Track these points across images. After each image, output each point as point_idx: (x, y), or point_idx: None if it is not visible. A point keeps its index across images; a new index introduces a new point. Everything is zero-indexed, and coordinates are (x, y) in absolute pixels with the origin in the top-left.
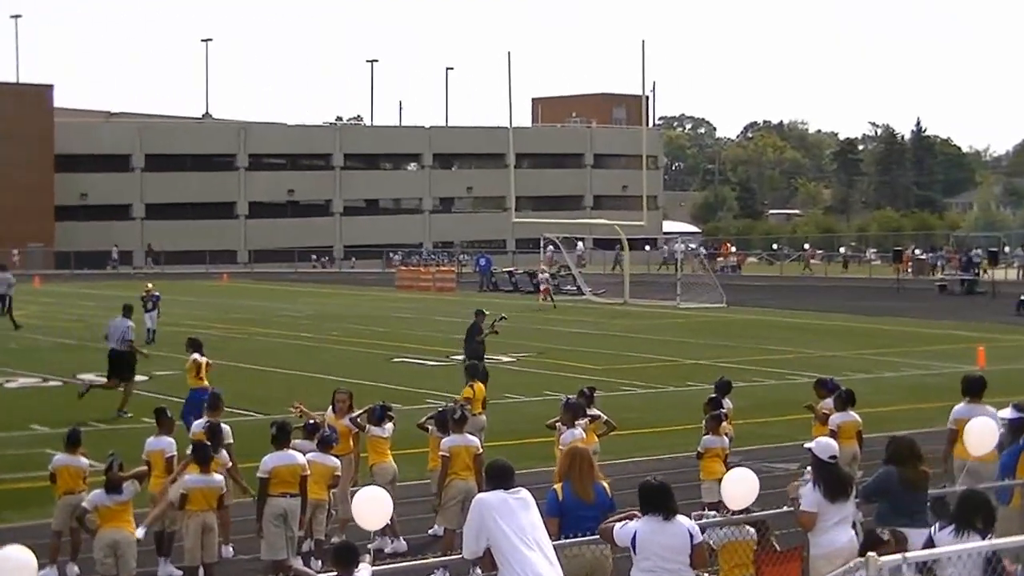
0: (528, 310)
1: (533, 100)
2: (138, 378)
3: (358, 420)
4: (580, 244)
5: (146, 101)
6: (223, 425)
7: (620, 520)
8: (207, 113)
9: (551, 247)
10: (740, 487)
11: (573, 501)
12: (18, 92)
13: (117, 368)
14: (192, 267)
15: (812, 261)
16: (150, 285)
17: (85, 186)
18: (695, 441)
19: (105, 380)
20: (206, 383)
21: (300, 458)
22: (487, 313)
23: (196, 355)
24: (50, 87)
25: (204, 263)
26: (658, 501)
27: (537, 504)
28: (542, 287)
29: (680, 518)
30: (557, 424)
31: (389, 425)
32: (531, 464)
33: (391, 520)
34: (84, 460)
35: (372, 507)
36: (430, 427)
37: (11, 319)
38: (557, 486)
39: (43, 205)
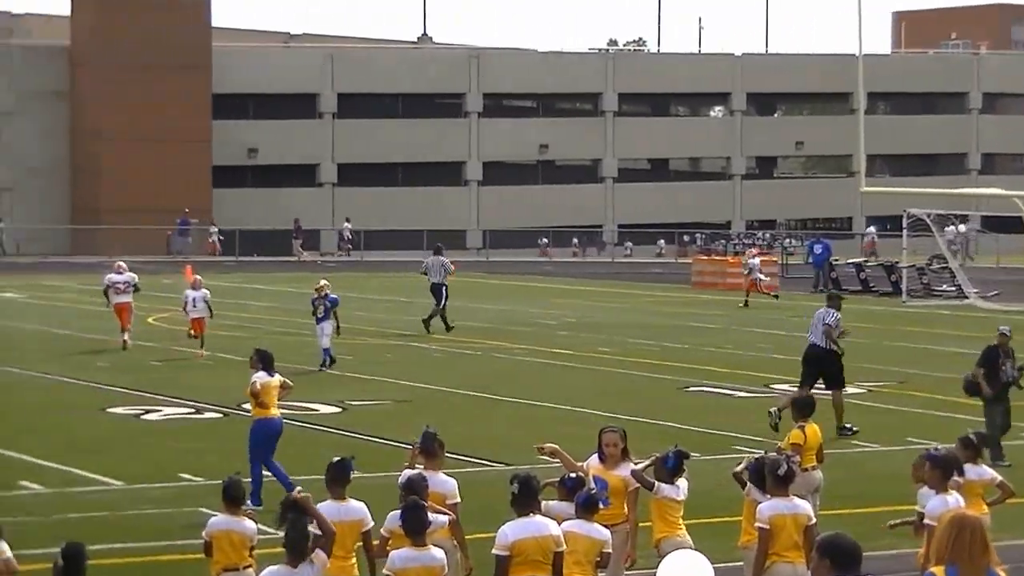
0: (884, 319)
1: (894, 15)
2: (330, 410)
3: (643, 474)
4: (962, 225)
5: (339, 20)
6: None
7: None
8: (425, 34)
9: (874, 227)
10: None
11: None
12: (166, 4)
13: (818, 368)
14: (402, 254)
15: None
16: (323, 282)
17: (254, 138)
18: None
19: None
20: (273, 412)
21: (554, 528)
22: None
23: (263, 374)
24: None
25: (420, 248)
26: None
27: None
28: (754, 276)
29: None
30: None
31: (684, 482)
32: (887, 542)
33: None
34: (250, 523)
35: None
36: (746, 481)
37: (443, 318)
38: (937, 569)
39: (196, 165)
